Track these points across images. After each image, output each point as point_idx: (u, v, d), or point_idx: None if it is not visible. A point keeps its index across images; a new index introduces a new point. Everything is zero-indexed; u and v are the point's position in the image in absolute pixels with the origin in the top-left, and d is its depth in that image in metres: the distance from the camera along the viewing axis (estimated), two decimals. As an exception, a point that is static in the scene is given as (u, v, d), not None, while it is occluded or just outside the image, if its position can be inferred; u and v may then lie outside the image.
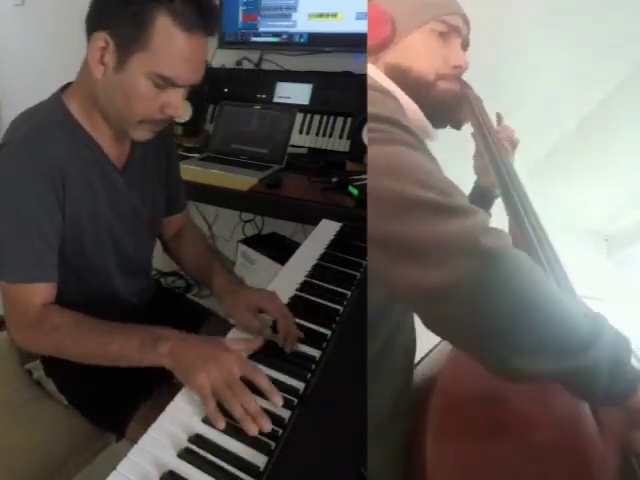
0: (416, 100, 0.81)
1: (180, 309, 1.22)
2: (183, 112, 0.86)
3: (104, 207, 0.94)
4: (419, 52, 0.81)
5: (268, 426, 0.69)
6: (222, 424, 0.70)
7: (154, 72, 0.79)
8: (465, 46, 0.87)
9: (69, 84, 0.93)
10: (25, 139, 0.84)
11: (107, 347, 0.79)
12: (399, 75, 0.81)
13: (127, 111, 0.84)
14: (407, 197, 0.57)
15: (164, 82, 0.80)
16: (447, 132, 0.88)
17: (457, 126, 0.96)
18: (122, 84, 0.81)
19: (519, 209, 0.85)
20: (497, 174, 0.93)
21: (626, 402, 0.60)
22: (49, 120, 0.87)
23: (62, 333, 0.83)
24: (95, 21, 0.81)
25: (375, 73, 0.82)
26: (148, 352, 0.76)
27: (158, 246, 1.24)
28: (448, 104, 0.84)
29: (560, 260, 0.80)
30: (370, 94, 0.71)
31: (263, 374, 0.76)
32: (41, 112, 0.90)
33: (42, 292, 0.86)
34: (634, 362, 0.61)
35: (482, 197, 1.01)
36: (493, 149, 0.94)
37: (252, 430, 0.69)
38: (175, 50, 0.78)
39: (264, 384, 0.74)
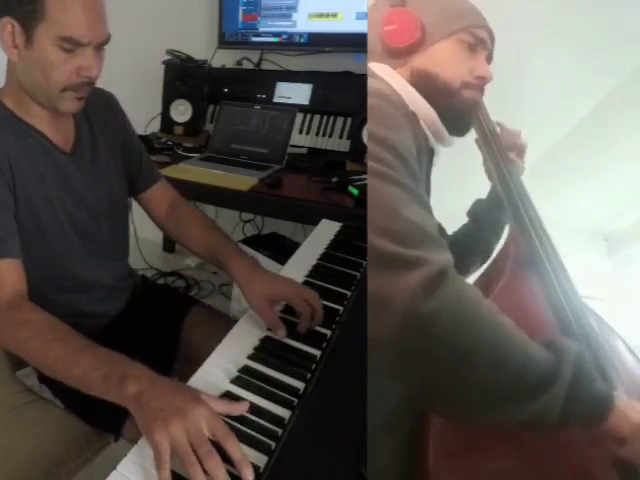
0: (436, 106, 0.82)
1: (164, 300, 1.20)
2: (98, 72, 0.89)
3: (56, 190, 0.95)
4: (447, 60, 0.83)
5: None
6: None
7: (58, 36, 0.83)
8: (489, 59, 0.88)
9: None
10: None
11: (72, 367, 0.72)
12: (424, 80, 0.82)
13: (46, 82, 0.87)
14: (369, 242, 0.58)
15: (70, 44, 0.84)
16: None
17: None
18: (35, 58, 0.85)
19: (522, 215, 0.86)
20: (499, 179, 0.93)
21: (598, 425, 0.60)
22: None
23: (30, 331, 0.77)
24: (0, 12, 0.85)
25: (393, 77, 0.81)
26: (112, 389, 0.68)
27: (159, 246, 1.24)
28: (469, 112, 0.86)
29: (564, 265, 0.80)
30: (381, 107, 0.71)
31: (235, 439, 0.64)
32: None
33: (8, 270, 0.84)
34: (600, 381, 0.62)
35: (499, 200, 1.00)
36: (495, 152, 0.94)
37: None
38: (70, 11, 0.82)
39: (235, 453, 0.63)
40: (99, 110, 1.05)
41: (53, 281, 0.98)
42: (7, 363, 1.06)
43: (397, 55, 0.83)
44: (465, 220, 1.08)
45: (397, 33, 0.82)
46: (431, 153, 0.86)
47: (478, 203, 1.06)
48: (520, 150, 1.00)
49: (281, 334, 0.88)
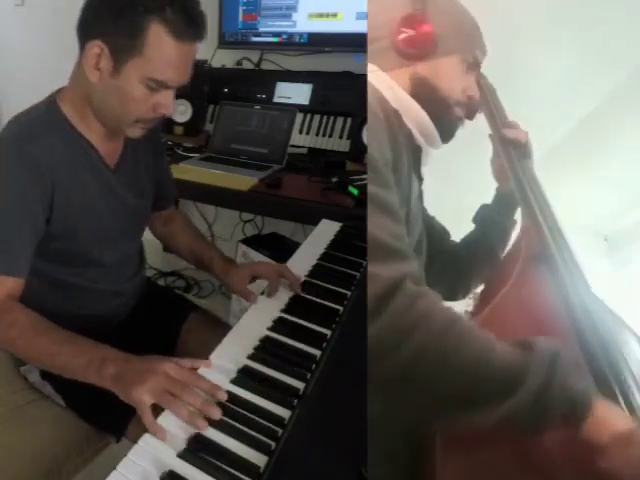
0: (430, 115, 0.84)
1: (164, 303, 1.24)
2: (173, 109, 0.91)
3: (96, 203, 0.97)
4: (449, 75, 0.85)
5: (217, 414, 0.70)
6: (163, 435, 0.67)
7: (148, 77, 0.84)
8: (478, 79, 0.92)
9: (62, 88, 0.96)
10: (16, 137, 0.87)
11: (55, 358, 0.80)
12: (422, 88, 0.84)
13: (123, 112, 0.89)
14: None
15: (157, 85, 0.85)
16: (459, 138, 0.90)
17: (470, 116, 0.97)
18: (118, 88, 0.86)
19: (535, 210, 0.86)
20: (512, 173, 0.93)
21: (574, 428, 0.58)
22: (41, 120, 0.91)
23: (18, 331, 0.83)
24: (89, 29, 0.85)
25: (379, 75, 0.82)
26: (92, 373, 0.76)
27: (159, 246, 1.25)
28: (456, 127, 0.89)
29: (578, 263, 0.80)
30: (370, 120, 0.72)
31: (201, 376, 0.75)
32: (34, 112, 0.93)
33: (9, 286, 0.87)
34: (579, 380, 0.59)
35: (505, 205, 1.02)
36: (509, 147, 0.94)
37: (202, 425, 0.69)
38: (167, 56, 0.83)
39: (203, 385, 0.74)
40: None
41: (76, 284, 1.01)
42: (11, 359, 1.07)
43: (404, 56, 0.84)
44: (469, 223, 1.08)
45: (412, 39, 0.83)
46: (417, 150, 0.87)
47: (484, 208, 1.05)
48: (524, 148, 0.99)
49: (252, 299, 1.01)
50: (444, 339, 0.56)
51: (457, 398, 0.57)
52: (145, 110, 0.88)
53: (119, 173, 1.01)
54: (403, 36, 0.83)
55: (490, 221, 1.03)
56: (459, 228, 1.10)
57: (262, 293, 1.03)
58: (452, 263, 1.06)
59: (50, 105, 0.93)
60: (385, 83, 0.83)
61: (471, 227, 1.08)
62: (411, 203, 0.83)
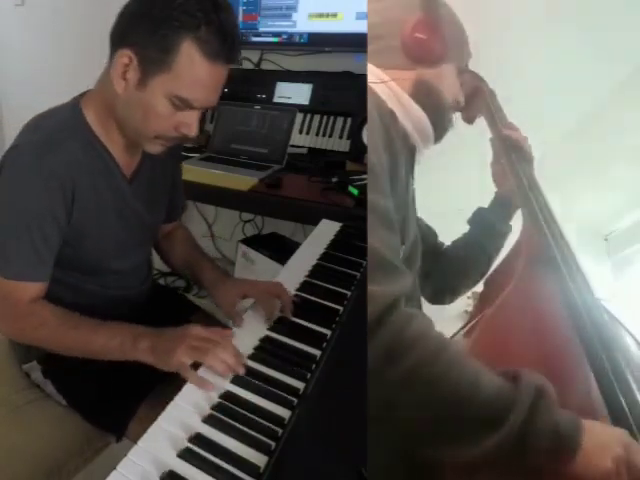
0: (429, 117, 0.84)
1: (170, 303, 1.24)
2: (197, 132, 0.89)
3: (110, 216, 0.96)
4: (449, 82, 0.87)
5: (242, 370, 0.80)
6: (210, 386, 0.77)
7: (174, 94, 0.82)
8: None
9: (87, 92, 0.94)
10: (39, 144, 0.85)
11: (90, 345, 0.85)
12: (427, 93, 0.84)
13: (144, 126, 0.87)
14: None
15: (182, 104, 0.83)
16: (462, 137, 0.91)
17: (470, 121, 0.97)
18: (142, 101, 0.84)
19: (536, 212, 0.86)
20: (513, 176, 0.93)
21: (563, 465, 0.55)
22: (64, 126, 0.89)
23: (48, 329, 0.87)
24: (121, 37, 0.83)
25: (375, 75, 0.82)
26: (129, 349, 0.82)
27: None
28: (446, 129, 0.90)
29: (580, 265, 0.80)
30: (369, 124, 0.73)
31: (229, 341, 0.83)
32: (57, 116, 0.91)
33: (34, 290, 0.89)
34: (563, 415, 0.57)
35: (503, 208, 1.02)
36: (509, 149, 0.94)
37: (240, 370, 0.79)
38: (197, 76, 0.81)
39: (229, 346, 0.82)
40: None
41: (78, 294, 1.00)
42: (13, 357, 1.07)
43: (413, 59, 0.84)
44: (463, 226, 1.08)
45: (425, 43, 0.83)
46: (412, 150, 0.87)
47: (481, 211, 1.05)
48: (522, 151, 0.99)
49: (238, 323, 0.95)
50: (435, 363, 0.55)
51: (442, 427, 0.55)
52: (167, 127, 0.86)
53: (134, 184, 0.99)
54: (415, 38, 0.82)
55: (486, 224, 1.03)
56: (448, 230, 1.10)
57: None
58: (441, 264, 1.06)
59: (74, 110, 0.91)
60: (382, 82, 0.82)
61: (460, 231, 1.08)
62: (408, 207, 0.83)
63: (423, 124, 0.84)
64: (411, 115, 0.83)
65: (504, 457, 0.54)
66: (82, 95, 0.94)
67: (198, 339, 0.81)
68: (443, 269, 1.06)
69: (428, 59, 0.84)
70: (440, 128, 0.88)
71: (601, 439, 0.57)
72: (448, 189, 1.61)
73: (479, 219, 1.05)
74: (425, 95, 0.84)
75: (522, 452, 0.54)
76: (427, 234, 1.07)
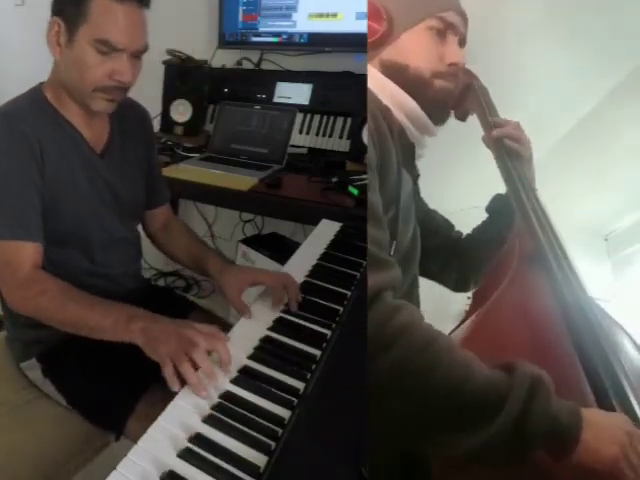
0: (414, 97, 0.81)
1: (167, 302, 1.23)
2: (131, 78, 0.94)
3: (83, 184, 1.00)
4: (415, 50, 0.82)
5: (214, 379, 0.76)
6: (176, 386, 0.75)
7: (95, 38, 0.89)
8: (462, 43, 0.87)
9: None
10: (5, 114, 0.94)
11: (86, 320, 0.86)
12: (395, 73, 0.81)
13: (82, 82, 0.93)
14: None
15: (106, 47, 0.89)
16: (463, 137, 0.89)
17: (462, 118, 0.95)
18: (73, 57, 0.91)
19: (529, 211, 0.85)
20: (505, 175, 0.92)
21: (563, 458, 0.55)
22: (27, 104, 0.97)
23: (48, 298, 0.89)
24: (52, 11, 0.92)
25: (371, 73, 0.82)
26: (121, 329, 0.82)
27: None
28: (445, 101, 0.85)
29: (573, 265, 0.79)
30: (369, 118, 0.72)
31: (222, 343, 0.80)
32: (21, 98, 0.99)
33: (29, 252, 0.91)
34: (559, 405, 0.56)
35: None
36: (502, 149, 0.93)
37: (203, 394, 0.74)
38: (111, 17, 0.89)
39: (223, 353, 0.79)
40: (133, 123, 1.11)
41: (68, 273, 1.00)
42: (12, 356, 1.07)
43: (372, 48, 0.83)
44: (482, 216, 1.07)
45: (370, 28, 0.81)
46: (410, 147, 0.86)
47: (497, 198, 1.04)
48: (523, 145, 0.98)
49: (247, 316, 0.95)
50: (422, 356, 0.55)
51: (433, 420, 0.55)
52: (100, 76, 0.91)
53: (106, 158, 1.04)
54: (369, 30, 0.82)
55: (502, 209, 1.02)
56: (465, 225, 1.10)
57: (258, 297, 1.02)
58: (459, 253, 1.05)
59: (34, 92, 0.99)
60: (377, 81, 0.82)
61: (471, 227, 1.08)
62: (400, 203, 0.81)
63: (415, 112, 0.81)
64: (402, 105, 0.81)
65: (502, 448, 0.53)
66: (42, 83, 1.01)
67: (188, 344, 0.77)
68: (462, 257, 1.05)
69: (377, 40, 0.81)
70: (432, 106, 0.83)
71: (603, 426, 0.56)
72: (462, 185, 1.61)
73: (496, 205, 1.04)
74: (395, 75, 0.81)
75: (521, 443, 0.53)
76: (442, 226, 1.07)
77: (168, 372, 0.76)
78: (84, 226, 1.01)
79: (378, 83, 0.81)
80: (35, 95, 0.99)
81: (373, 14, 0.81)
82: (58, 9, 0.91)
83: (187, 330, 0.80)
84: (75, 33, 0.89)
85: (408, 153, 0.86)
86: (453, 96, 0.86)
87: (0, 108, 0.96)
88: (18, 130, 0.91)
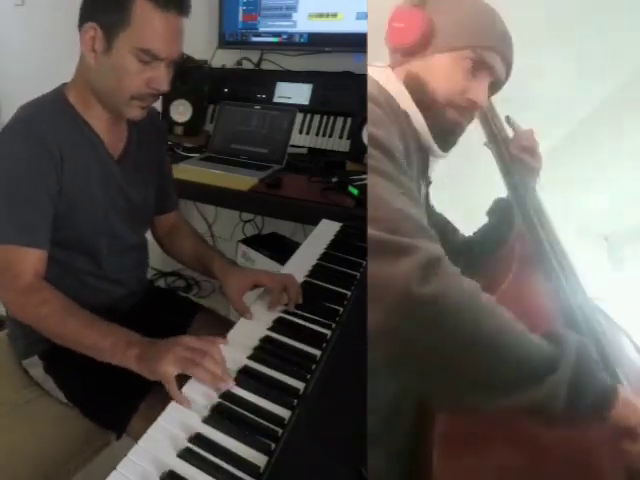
0: (425, 116, 0.80)
1: (172, 304, 1.25)
2: (168, 86, 0.94)
3: (98, 190, 1.00)
4: (442, 74, 0.80)
5: (231, 382, 0.77)
6: (188, 404, 0.74)
7: (137, 47, 0.88)
8: (495, 87, 0.85)
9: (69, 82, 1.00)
10: (26, 119, 0.93)
11: (83, 339, 0.85)
12: (415, 86, 0.81)
13: (119, 89, 0.92)
14: (368, 235, 0.59)
15: (147, 56, 0.89)
16: (463, 137, 0.88)
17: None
18: (112, 64, 0.90)
19: (530, 212, 0.85)
20: (505, 178, 0.93)
21: (604, 415, 0.60)
22: (49, 107, 0.96)
23: (49, 310, 0.88)
24: (84, 15, 0.91)
25: (390, 77, 0.81)
26: (119, 353, 0.82)
27: (158, 247, 1.25)
28: (451, 133, 0.84)
29: (573, 267, 0.80)
30: (370, 107, 0.71)
31: (216, 348, 0.81)
32: (42, 100, 0.97)
33: (33, 259, 0.91)
34: (603, 373, 0.62)
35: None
36: (503, 152, 0.93)
37: (224, 386, 0.76)
38: (152, 26, 0.88)
39: (217, 356, 0.79)
40: (149, 129, 1.11)
41: (75, 278, 1.02)
42: (13, 354, 1.08)
43: (398, 53, 0.82)
44: (483, 220, 1.07)
45: (402, 32, 0.80)
46: (425, 153, 0.86)
47: (498, 201, 1.04)
48: (531, 151, 0.96)
49: (248, 317, 0.95)
50: (490, 318, 0.57)
51: (501, 377, 0.57)
52: (139, 84, 0.91)
53: (122, 165, 1.03)
54: (393, 29, 0.80)
55: (504, 212, 1.02)
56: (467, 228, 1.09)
57: (258, 298, 1.02)
58: (464, 256, 1.06)
59: (57, 94, 0.98)
60: (394, 86, 0.81)
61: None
62: (419, 204, 0.82)
63: (423, 127, 0.81)
64: (417, 119, 0.80)
65: (554, 407, 0.57)
66: (65, 83, 1.00)
67: (187, 349, 0.79)
68: (466, 260, 1.06)
69: (405, 47, 0.80)
70: (440, 132, 0.82)
71: (633, 401, 0.62)
72: (464, 188, 1.61)
73: (497, 208, 1.04)
74: (415, 91, 0.80)
75: (570, 406, 0.57)
76: (448, 230, 1.07)
77: (173, 392, 0.75)
78: (96, 232, 1.01)
79: (395, 88, 0.80)
80: (57, 97, 0.97)
81: (414, 24, 0.79)
82: (93, 14, 0.89)
83: (182, 340, 0.80)
84: (114, 40, 0.88)
85: (423, 159, 0.85)
86: (461, 130, 0.85)
87: (22, 112, 0.95)
88: (39, 137, 0.90)
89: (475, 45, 0.80)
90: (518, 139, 0.95)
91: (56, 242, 0.95)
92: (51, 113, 0.94)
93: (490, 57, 0.80)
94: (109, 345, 0.83)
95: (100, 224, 1.01)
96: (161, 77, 0.91)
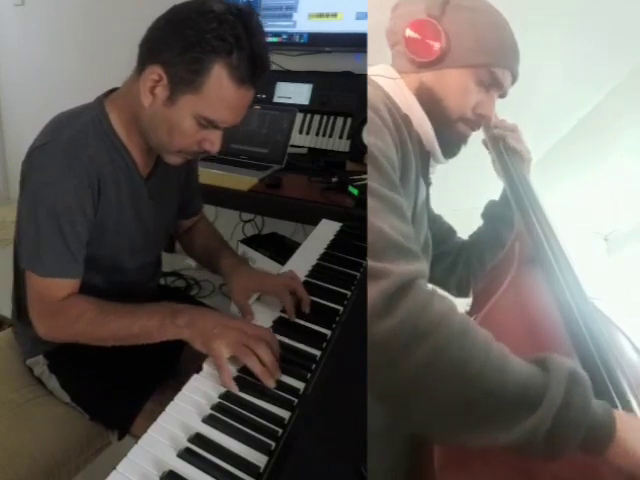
0: (435, 127, 0.81)
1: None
2: (219, 149, 0.90)
3: (128, 214, 0.97)
4: (456, 90, 0.81)
5: (279, 374, 0.79)
6: (236, 389, 0.76)
7: (201, 114, 0.84)
8: (501, 97, 0.86)
9: (112, 90, 0.95)
10: (67, 141, 0.87)
11: (130, 328, 0.84)
12: (428, 99, 0.81)
13: (168, 141, 0.89)
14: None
15: (208, 124, 0.85)
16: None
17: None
18: (168, 117, 0.86)
19: (529, 213, 0.85)
20: (505, 177, 0.93)
21: (598, 455, 0.54)
22: (90, 125, 0.91)
23: (86, 320, 0.87)
24: (152, 52, 0.85)
25: (399, 85, 0.81)
26: (168, 327, 0.82)
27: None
28: (458, 144, 0.85)
29: (571, 264, 0.79)
30: (369, 115, 0.71)
31: (275, 339, 0.83)
32: (83, 116, 0.92)
33: (69, 287, 0.90)
34: (597, 402, 0.55)
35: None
36: (502, 151, 0.93)
37: (271, 383, 0.77)
38: (224, 99, 0.83)
39: (273, 344, 0.82)
40: None
41: (91, 279, 1.00)
42: (15, 353, 1.08)
43: (410, 61, 0.82)
44: (478, 220, 1.07)
45: (418, 44, 0.80)
46: (426, 155, 0.86)
47: (491, 204, 1.05)
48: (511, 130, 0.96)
49: (250, 318, 0.95)
50: (461, 344, 0.53)
51: (471, 412, 0.53)
52: (190, 144, 0.88)
53: (150, 182, 1.01)
54: (409, 39, 0.80)
55: (499, 215, 1.02)
56: (463, 229, 1.10)
57: (258, 298, 1.02)
58: (462, 260, 1.06)
59: (98, 111, 0.92)
60: (397, 87, 0.81)
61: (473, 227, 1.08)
62: (417, 208, 0.81)
63: (429, 137, 0.82)
64: (419, 124, 0.81)
65: (541, 443, 0.52)
66: (106, 95, 0.95)
67: (244, 334, 0.80)
68: (465, 262, 1.06)
69: (421, 59, 0.80)
70: (447, 142, 0.83)
71: (637, 426, 0.56)
72: (461, 187, 1.61)
73: (492, 211, 1.04)
74: (427, 102, 0.81)
75: (560, 438, 0.52)
76: (448, 232, 1.07)
77: (225, 377, 0.76)
78: (119, 250, 1.00)
79: (404, 98, 0.81)
80: (99, 117, 0.92)
81: (433, 35, 0.79)
82: (165, 58, 0.82)
83: (236, 323, 0.82)
84: (179, 96, 0.83)
85: (424, 162, 0.86)
86: (467, 141, 0.86)
87: (61, 130, 0.89)
88: (78, 163, 0.86)
89: (491, 64, 0.81)
90: (501, 125, 0.95)
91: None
92: (92, 134, 0.90)
93: (502, 74, 0.82)
94: (157, 323, 0.82)
95: (124, 242, 1.00)
96: (215, 140, 0.88)
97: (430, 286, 0.58)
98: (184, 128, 0.85)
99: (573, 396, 0.53)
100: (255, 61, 0.82)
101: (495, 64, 0.81)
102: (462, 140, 0.85)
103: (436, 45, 0.79)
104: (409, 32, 0.80)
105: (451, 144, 0.85)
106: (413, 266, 0.58)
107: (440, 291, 0.59)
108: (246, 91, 0.84)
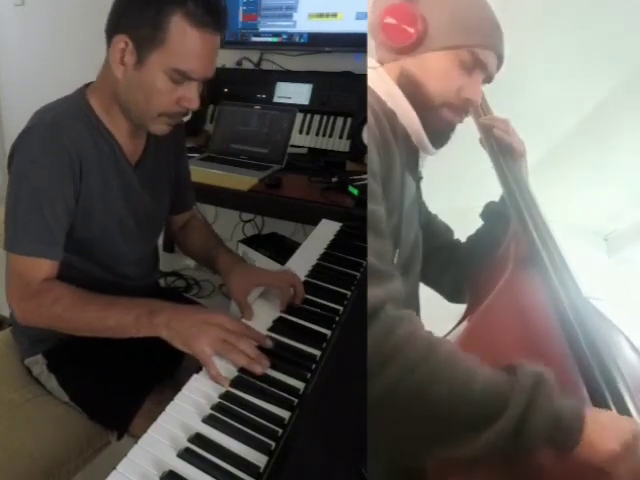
0: (420, 116, 0.80)
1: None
2: (198, 104, 0.91)
3: (116, 199, 0.98)
4: (437, 73, 0.79)
5: (267, 363, 0.79)
6: (226, 383, 0.75)
7: (171, 67, 0.85)
8: (487, 80, 0.84)
9: (91, 83, 0.98)
10: (48, 125, 0.89)
11: (105, 321, 0.84)
12: (410, 86, 0.80)
13: (147, 106, 0.89)
14: None
15: (180, 76, 0.86)
16: (462, 137, 0.88)
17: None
18: (142, 81, 0.87)
19: (524, 213, 0.85)
20: (500, 177, 0.92)
21: (566, 453, 0.55)
22: (71, 111, 0.93)
23: (63, 306, 0.87)
24: (115, 25, 0.87)
25: (381, 75, 0.81)
26: (144, 324, 0.81)
27: (159, 246, 1.25)
28: (445, 131, 0.83)
29: (567, 263, 0.79)
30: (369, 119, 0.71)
31: (249, 326, 0.85)
32: (64, 104, 0.95)
33: (46, 268, 0.90)
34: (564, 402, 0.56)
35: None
36: (496, 151, 0.93)
37: (259, 369, 0.77)
38: (189, 46, 0.84)
39: (253, 334, 0.83)
40: (168, 134, 1.07)
41: (87, 277, 1.01)
42: (14, 353, 1.08)
43: (390, 50, 0.81)
44: (477, 220, 1.07)
45: (394, 29, 0.79)
46: (414, 151, 0.84)
47: (491, 205, 1.05)
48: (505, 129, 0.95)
49: (248, 316, 0.94)
50: (422, 368, 0.54)
51: (438, 428, 0.55)
52: (169, 103, 0.89)
53: (139, 170, 1.02)
54: (386, 25, 0.79)
55: (498, 216, 1.02)
56: (463, 229, 1.09)
57: (258, 297, 1.02)
58: (459, 260, 1.05)
59: (79, 98, 0.95)
60: (382, 81, 0.81)
61: (473, 228, 1.08)
62: (404, 208, 0.80)
63: (415, 128, 0.80)
64: (405, 116, 0.80)
65: (505, 450, 0.53)
66: (86, 86, 0.97)
67: (224, 330, 0.80)
68: (460, 264, 1.05)
69: (398, 45, 0.79)
70: (433, 129, 0.81)
71: (608, 425, 0.56)
72: (461, 186, 1.61)
73: (491, 212, 1.04)
74: (409, 89, 0.79)
75: (524, 441, 0.53)
76: (443, 231, 1.06)
77: (213, 373, 0.76)
78: (110, 237, 1.00)
79: (385, 87, 0.80)
80: (79, 101, 0.94)
81: (406, 21, 0.78)
82: (125, 26, 0.85)
83: (218, 319, 0.81)
84: (146, 56, 0.85)
85: (412, 157, 0.85)
86: (453, 129, 0.84)
87: (44, 114, 0.92)
88: (60, 144, 0.88)
89: (471, 44, 0.79)
90: (496, 122, 0.95)
91: (68, 247, 0.94)
92: (73, 118, 0.91)
93: (484, 55, 0.80)
94: (133, 318, 0.82)
95: (114, 230, 1.00)
96: (192, 96, 0.89)
97: (396, 311, 0.59)
98: (159, 87, 0.86)
99: (537, 400, 0.54)
100: (210, 5, 0.84)
101: (475, 44, 0.79)
102: (450, 128, 0.83)
103: (412, 29, 0.77)
104: (386, 18, 0.79)
105: (439, 132, 0.83)
106: (383, 289, 0.59)
107: (408, 312, 0.60)
108: (210, 35, 0.85)
